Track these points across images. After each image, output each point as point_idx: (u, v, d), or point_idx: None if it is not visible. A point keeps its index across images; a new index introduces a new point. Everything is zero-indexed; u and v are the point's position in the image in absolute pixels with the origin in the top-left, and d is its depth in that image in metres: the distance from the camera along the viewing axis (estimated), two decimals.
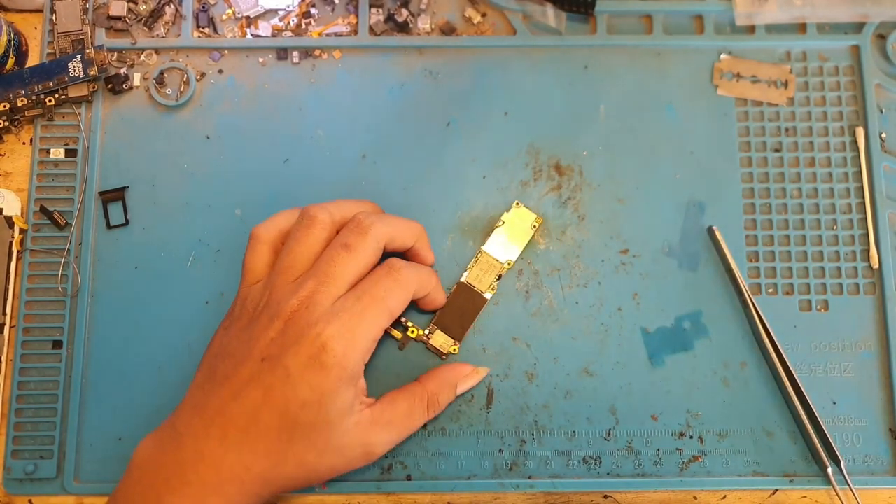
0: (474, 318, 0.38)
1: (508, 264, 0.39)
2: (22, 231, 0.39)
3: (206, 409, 0.32)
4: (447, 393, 0.36)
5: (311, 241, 0.34)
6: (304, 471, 0.32)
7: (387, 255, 0.35)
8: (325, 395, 0.31)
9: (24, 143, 0.41)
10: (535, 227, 0.39)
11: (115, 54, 0.42)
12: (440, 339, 0.38)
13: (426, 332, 0.38)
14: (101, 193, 0.40)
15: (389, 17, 0.42)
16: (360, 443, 0.33)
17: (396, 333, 0.38)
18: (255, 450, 0.31)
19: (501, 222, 0.39)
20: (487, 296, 0.39)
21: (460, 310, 0.38)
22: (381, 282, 0.33)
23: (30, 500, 0.37)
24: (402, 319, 0.38)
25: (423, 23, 0.42)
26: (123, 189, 0.40)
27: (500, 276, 0.39)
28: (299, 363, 0.31)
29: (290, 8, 0.43)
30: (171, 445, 0.32)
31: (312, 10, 0.43)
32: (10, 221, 0.39)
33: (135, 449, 0.33)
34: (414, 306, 0.38)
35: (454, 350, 0.38)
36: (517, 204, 0.39)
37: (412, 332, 0.38)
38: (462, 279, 0.39)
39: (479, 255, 0.39)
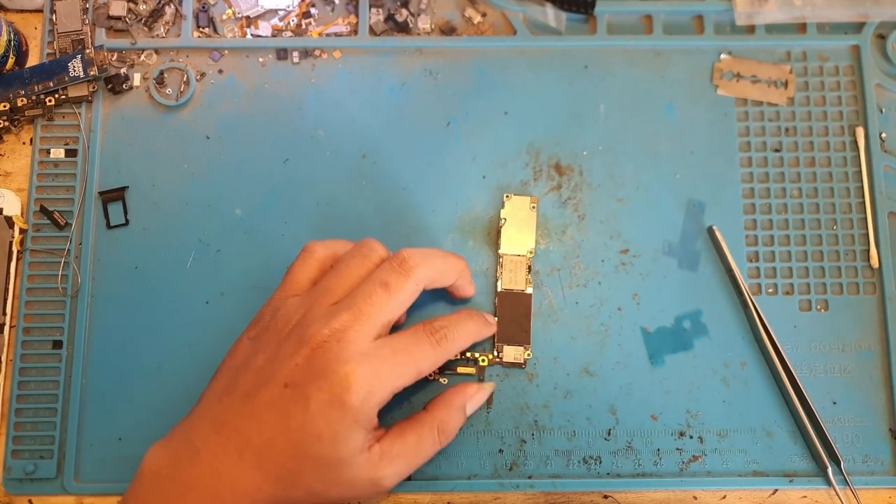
0: (530, 317, 0.38)
1: (531, 253, 0.39)
2: (22, 231, 0.39)
3: (225, 425, 0.31)
4: (457, 417, 0.36)
5: (361, 273, 0.33)
6: (312, 497, 0.32)
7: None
8: (339, 433, 0.31)
9: (24, 143, 0.41)
10: (533, 206, 0.39)
11: (115, 54, 0.42)
12: (512, 353, 0.38)
13: (495, 353, 0.38)
14: (101, 193, 0.40)
15: (389, 17, 0.42)
16: (369, 477, 0.32)
17: (470, 370, 0.38)
18: (268, 473, 0.31)
19: (503, 220, 0.39)
20: (529, 291, 0.38)
21: (512, 317, 0.38)
22: (420, 344, 0.33)
23: (30, 500, 0.37)
24: (469, 354, 0.38)
25: (423, 23, 0.42)
26: (123, 189, 0.40)
27: (529, 268, 0.39)
28: (321, 399, 0.30)
29: (290, 8, 0.43)
30: (186, 460, 0.31)
31: (312, 10, 0.43)
32: (10, 221, 0.39)
33: (145, 456, 0.32)
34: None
35: (528, 356, 0.38)
36: (507, 196, 0.39)
37: (483, 360, 0.38)
38: (499, 289, 0.38)
39: (501, 259, 0.39)
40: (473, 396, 0.37)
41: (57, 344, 0.38)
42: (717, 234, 0.39)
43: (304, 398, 0.31)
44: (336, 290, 0.33)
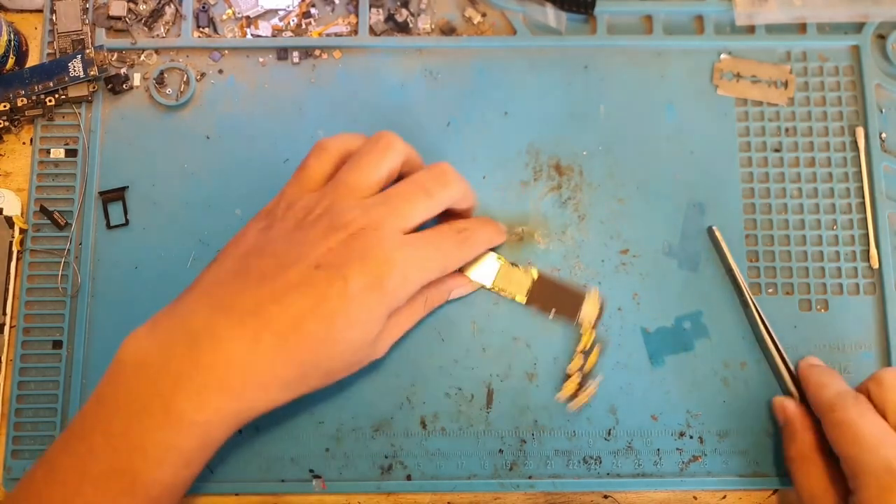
0: (562, 287, 0.39)
1: (501, 260, 0.39)
2: (22, 231, 0.39)
3: (234, 307, 0.29)
4: (442, 295, 0.37)
5: (382, 165, 0.33)
6: (327, 379, 0.32)
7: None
8: (373, 318, 0.31)
9: (24, 143, 0.41)
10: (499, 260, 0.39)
11: (115, 54, 0.42)
12: (587, 310, 0.38)
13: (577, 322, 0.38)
14: (101, 193, 0.40)
15: (389, 17, 0.42)
16: (372, 352, 0.33)
17: (572, 387, 0.38)
18: (290, 359, 0.29)
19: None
20: (535, 272, 0.39)
21: (554, 300, 0.39)
22: (449, 241, 0.34)
23: None
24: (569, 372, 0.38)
25: (423, 23, 0.42)
26: (123, 189, 0.40)
27: (514, 263, 0.39)
28: (362, 281, 0.30)
29: (290, 8, 0.43)
30: (181, 346, 0.29)
31: (312, 10, 0.43)
32: (10, 221, 0.39)
33: (122, 345, 0.30)
34: None
35: (600, 301, 0.39)
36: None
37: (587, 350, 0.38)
38: (522, 302, 0.39)
39: (499, 275, 0.39)
40: (460, 286, 0.38)
41: (57, 344, 0.38)
42: (717, 234, 0.39)
43: (342, 279, 0.30)
44: (360, 183, 0.33)
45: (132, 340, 0.30)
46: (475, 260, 0.38)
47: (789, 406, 0.36)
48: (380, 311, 0.31)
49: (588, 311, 0.38)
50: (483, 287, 0.39)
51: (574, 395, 0.38)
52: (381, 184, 0.34)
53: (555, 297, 0.39)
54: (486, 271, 0.38)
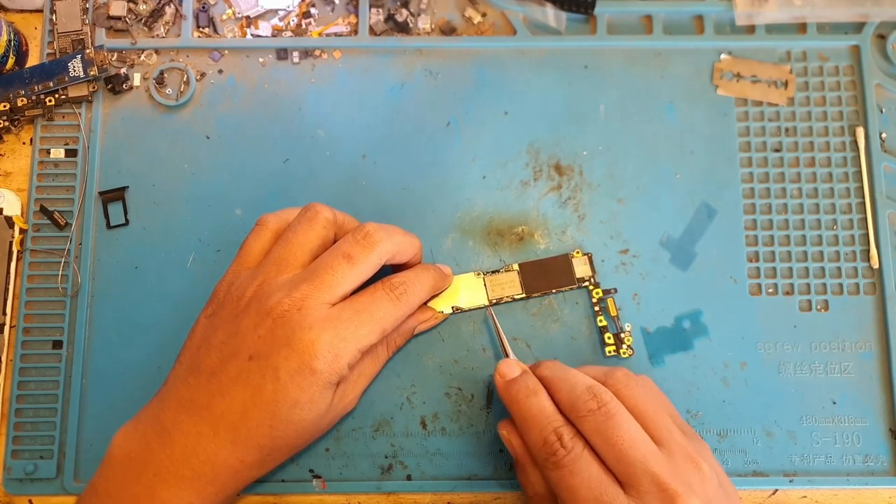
0: (546, 262, 0.39)
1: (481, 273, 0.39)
2: (22, 231, 0.39)
3: (194, 404, 0.32)
4: (406, 337, 0.38)
5: (309, 237, 0.34)
6: (296, 449, 0.34)
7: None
8: (314, 396, 0.31)
9: (24, 143, 0.41)
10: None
11: (115, 54, 0.42)
12: (580, 269, 0.39)
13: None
14: (101, 193, 0.40)
15: (389, 17, 0.42)
16: (341, 409, 0.35)
17: (612, 341, 0.38)
18: (248, 445, 0.31)
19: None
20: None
21: (547, 278, 0.39)
22: (380, 302, 0.33)
23: (30, 500, 0.37)
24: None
25: (423, 23, 0.42)
26: (123, 189, 0.40)
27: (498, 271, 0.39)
28: (290, 367, 0.31)
29: (290, 8, 0.43)
30: (157, 441, 0.31)
31: (312, 10, 0.43)
32: (10, 221, 0.39)
33: (112, 440, 0.32)
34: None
35: (586, 256, 0.39)
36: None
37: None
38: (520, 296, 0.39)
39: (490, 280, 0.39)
40: (425, 321, 0.38)
41: (57, 344, 0.38)
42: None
43: (272, 369, 0.31)
44: (288, 258, 0.33)
45: (119, 436, 0.32)
46: (455, 290, 0.38)
47: (514, 439, 0.34)
48: (318, 389, 0.31)
49: (581, 269, 0.39)
50: (480, 307, 0.39)
51: (618, 347, 0.38)
52: (311, 255, 0.34)
53: (547, 276, 0.39)
54: (475, 293, 0.39)
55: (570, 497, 0.30)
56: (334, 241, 0.35)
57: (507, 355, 0.36)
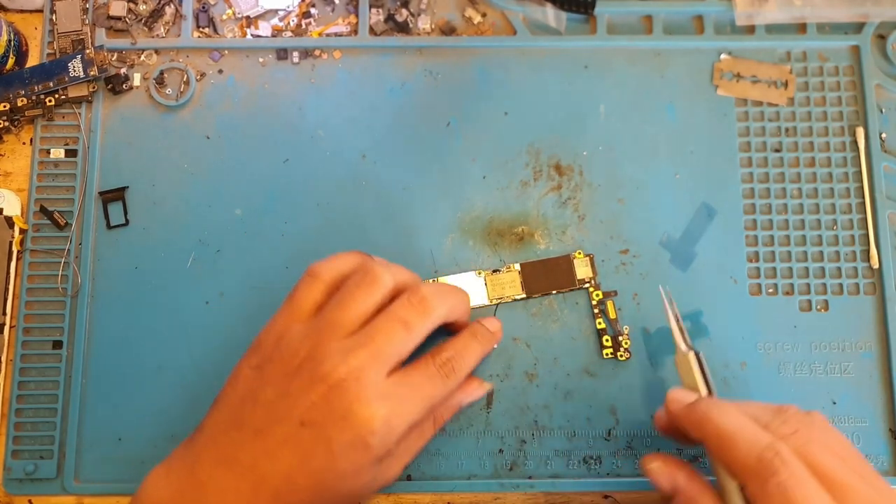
0: (548, 262, 0.39)
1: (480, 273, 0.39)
2: (22, 231, 0.39)
3: (235, 461, 0.31)
4: (452, 410, 0.37)
5: (367, 302, 0.33)
6: None
7: None
8: (362, 469, 0.31)
9: (24, 143, 0.41)
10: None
11: (115, 54, 0.42)
12: (581, 270, 0.39)
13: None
14: (101, 193, 0.40)
15: (389, 17, 0.42)
16: (382, 482, 0.34)
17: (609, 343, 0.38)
18: None
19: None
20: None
21: (548, 279, 0.39)
22: (433, 381, 0.33)
23: (30, 501, 0.37)
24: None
25: (423, 23, 0.42)
26: (123, 189, 0.40)
27: (496, 271, 0.39)
28: (344, 440, 0.30)
29: (290, 8, 0.43)
30: (191, 494, 0.31)
31: (312, 10, 0.43)
32: (10, 221, 0.39)
33: (144, 482, 0.31)
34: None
35: (588, 257, 0.39)
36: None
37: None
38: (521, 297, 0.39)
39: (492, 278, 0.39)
40: (471, 394, 0.37)
41: (57, 344, 0.38)
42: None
43: (325, 440, 0.30)
44: (345, 322, 0.32)
45: (150, 481, 0.32)
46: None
47: (680, 475, 0.31)
48: (367, 462, 0.31)
49: (582, 271, 0.39)
50: (481, 307, 0.39)
51: (615, 350, 0.38)
52: (366, 317, 0.33)
53: (548, 276, 0.39)
54: (476, 292, 0.39)
55: None
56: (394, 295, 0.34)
57: (682, 344, 0.34)
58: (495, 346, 0.38)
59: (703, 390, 0.33)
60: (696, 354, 0.34)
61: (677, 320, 0.35)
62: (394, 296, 0.34)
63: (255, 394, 0.32)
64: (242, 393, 0.32)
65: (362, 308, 0.33)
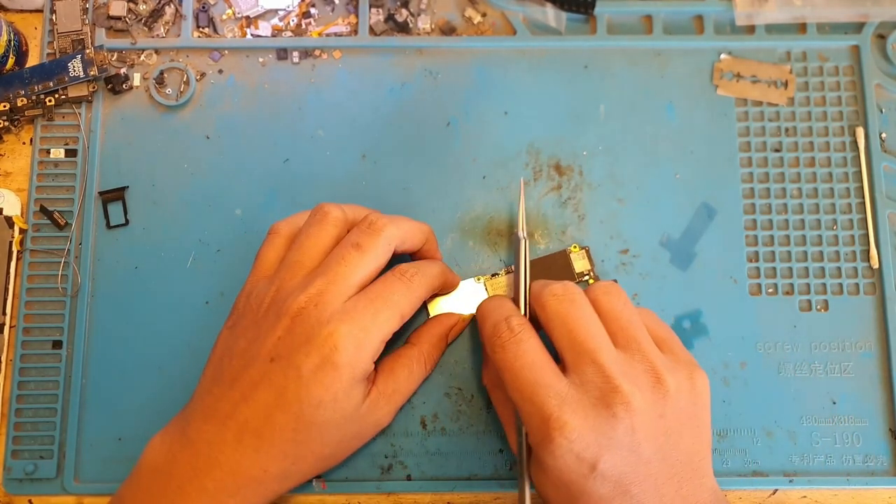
0: (545, 260, 0.39)
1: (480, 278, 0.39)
2: (22, 231, 0.39)
3: (217, 413, 0.31)
4: (440, 347, 0.37)
5: (321, 237, 0.34)
6: (322, 463, 0.33)
7: (395, 257, 0.35)
8: (339, 393, 0.31)
9: (24, 143, 0.41)
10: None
11: (115, 54, 0.42)
12: (579, 263, 0.39)
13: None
14: (101, 193, 0.40)
15: (389, 17, 0.42)
16: (372, 422, 0.34)
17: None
18: (272, 452, 0.31)
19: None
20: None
21: (547, 276, 0.39)
22: (393, 286, 0.33)
23: (30, 500, 0.37)
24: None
25: (423, 23, 0.42)
26: (123, 189, 0.40)
27: (496, 274, 0.39)
28: (311, 363, 0.30)
29: (290, 8, 0.43)
30: (182, 452, 0.31)
31: (312, 10, 0.43)
32: (10, 221, 0.39)
33: (145, 449, 0.32)
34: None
35: (583, 249, 0.39)
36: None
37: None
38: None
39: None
40: (454, 327, 0.38)
41: (57, 344, 0.38)
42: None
43: (294, 368, 0.31)
44: (303, 260, 0.33)
45: (149, 447, 0.32)
46: (457, 297, 0.38)
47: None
48: (341, 385, 0.31)
49: (580, 264, 0.39)
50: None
51: None
52: (325, 255, 0.34)
53: (547, 273, 0.39)
54: (476, 297, 0.38)
55: (512, 379, 0.31)
56: None
57: (520, 231, 0.37)
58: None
59: (522, 272, 0.36)
60: (524, 241, 0.37)
61: (523, 210, 0.38)
62: (350, 230, 0.35)
63: (231, 348, 0.33)
64: (220, 352, 0.33)
65: (319, 245, 0.34)
